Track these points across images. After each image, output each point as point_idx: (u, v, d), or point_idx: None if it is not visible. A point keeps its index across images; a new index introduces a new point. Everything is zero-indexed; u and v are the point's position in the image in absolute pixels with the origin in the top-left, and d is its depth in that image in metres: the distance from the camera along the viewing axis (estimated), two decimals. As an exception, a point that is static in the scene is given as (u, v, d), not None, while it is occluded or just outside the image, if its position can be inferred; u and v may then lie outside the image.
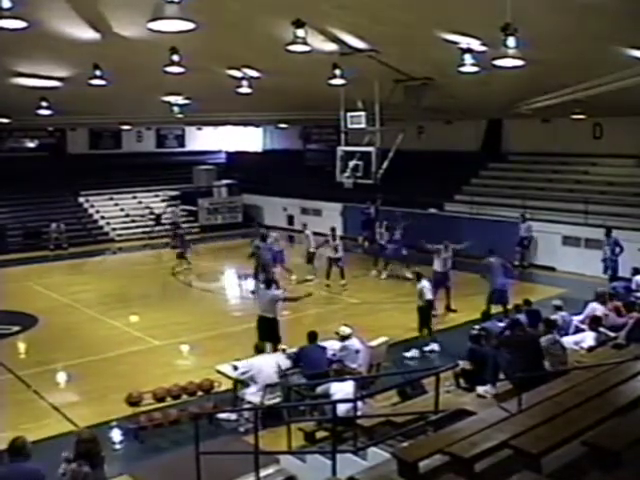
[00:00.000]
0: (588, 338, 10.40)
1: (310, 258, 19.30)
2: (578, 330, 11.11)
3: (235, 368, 10.18)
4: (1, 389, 11.24)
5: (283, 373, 9.87)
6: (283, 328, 11.86)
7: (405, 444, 6.63)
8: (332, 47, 11.89)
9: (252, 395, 9.46)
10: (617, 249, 16.67)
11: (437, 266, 15.73)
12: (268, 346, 11.19)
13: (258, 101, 18.05)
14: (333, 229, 19.25)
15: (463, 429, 5.78)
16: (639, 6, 8.43)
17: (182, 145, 34.57)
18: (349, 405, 8.03)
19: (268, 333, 11.63)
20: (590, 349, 10.07)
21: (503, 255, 17.35)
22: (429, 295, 13.21)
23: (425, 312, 13.06)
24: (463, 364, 8.96)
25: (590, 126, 22.02)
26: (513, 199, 21.78)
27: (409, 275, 18.09)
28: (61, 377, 12.24)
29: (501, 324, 10.84)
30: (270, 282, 12.97)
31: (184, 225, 26.61)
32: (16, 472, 5.42)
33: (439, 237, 16.42)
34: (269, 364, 9.69)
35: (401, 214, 20.21)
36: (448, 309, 15.65)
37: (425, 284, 13.29)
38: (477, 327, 10.36)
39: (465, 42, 11.11)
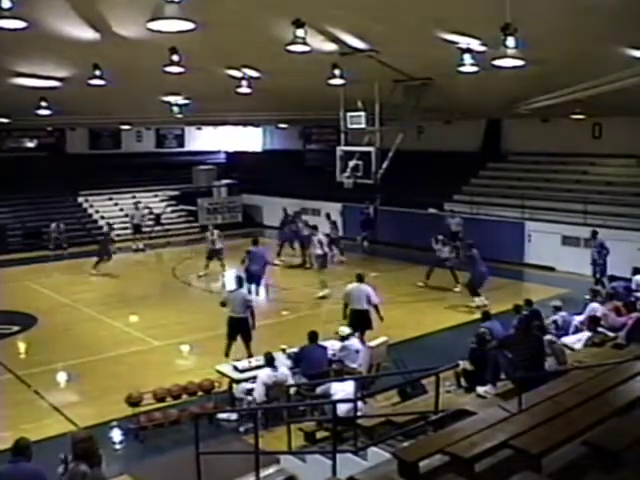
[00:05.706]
0: (583, 339, 10.45)
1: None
2: (578, 330, 11.13)
3: (235, 368, 10.19)
4: (1, 389, 11.25)
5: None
6: (283, 329, 11.82)
7: (405, 444, 6.63)
8: (332, 47, 11.89)
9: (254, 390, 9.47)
10: (603, 251, 16.69)
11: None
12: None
13: (258, 101, 18.03)
14: (215, 225, 21.26)
15: (463, 429, 5.76)
16: (639, 6, 8.44)
17: (182, 145, 34.51)
18: (349, 405, 8.03)
19: (239, 332, 11.76)
20: (585, 345, 10.13)
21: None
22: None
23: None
24: (463, 364, 8.97)
25: (590, 126, 22.04)
26: (512, 199, 21.78)
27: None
28: (61, 377, 12.23)
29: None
30: (241, 281, 12.60)
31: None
32: (18, 472, 5.42)
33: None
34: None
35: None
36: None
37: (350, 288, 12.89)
38: (483, 326, 10.13)
39: (465, 42, 11.11)
